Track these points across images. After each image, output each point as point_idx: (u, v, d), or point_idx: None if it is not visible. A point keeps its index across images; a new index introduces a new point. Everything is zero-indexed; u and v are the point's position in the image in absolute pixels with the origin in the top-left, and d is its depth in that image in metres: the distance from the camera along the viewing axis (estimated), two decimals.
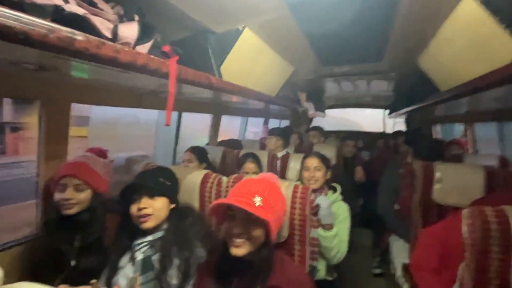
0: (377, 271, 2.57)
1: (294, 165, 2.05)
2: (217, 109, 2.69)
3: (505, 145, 2.57)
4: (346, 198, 2.02)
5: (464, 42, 1.25)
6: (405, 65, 2.21)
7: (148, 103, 1.70)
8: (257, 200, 0.88)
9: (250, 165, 1.85)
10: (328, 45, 1.88)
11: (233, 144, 2.68)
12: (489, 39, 1.05)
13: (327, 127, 5.32)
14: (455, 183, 1.61)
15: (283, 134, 2.66)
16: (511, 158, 2.57)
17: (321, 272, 1.55)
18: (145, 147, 2.48)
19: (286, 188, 1.13)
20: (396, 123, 5.82)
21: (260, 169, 1.90)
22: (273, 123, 5.01)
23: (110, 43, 0.75)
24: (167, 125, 1.01)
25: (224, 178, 1.31)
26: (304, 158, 1.73)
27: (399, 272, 1.79)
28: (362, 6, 1.20)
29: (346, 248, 1.53)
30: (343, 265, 1.61)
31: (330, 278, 1.56)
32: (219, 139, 2.90)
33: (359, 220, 3.16)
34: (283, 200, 1.00)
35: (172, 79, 0.95)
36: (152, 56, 0.87)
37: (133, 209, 1.02)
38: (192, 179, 1.31)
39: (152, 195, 1.03)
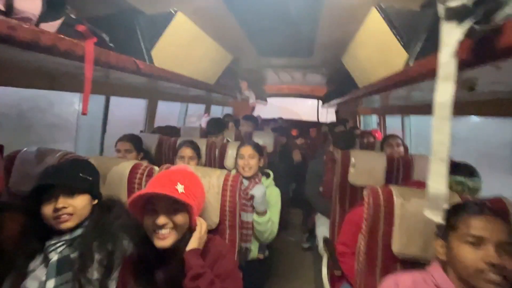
0: (306, 245, 2.89)
1: (232, 153, 2.11)
2: (153, 94, 2.53)
3: (405, 133, 3.12)
4: (280, 182, 2.20)
5: (373, 47, 1.45)
6: (332, 62, 2.44)
7: (64, 85, 1.49)
8: (180, 188, 0.90)
9: (186, 150, 1.82)
10: (264, 38, 1.94)
11: (170, 131, 2.58)
12: (389, 47, 1.25)
13: (268, 115, 5.57)
14: (365, 168, 1.91)
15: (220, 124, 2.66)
16: (410, 143, 3.18)
17: (254, 252, 1.68)
18: (62, 136, 2.16)
19: (217, 177, 1.18)
20: (328, 113, 6.45)
21: (198, 156, 1.89)
22: (215, 110, 4.98)
23: (1, 17, 0.64)
24: (84, 113, 0.92)
25: (156, 168, 1.28)
26: (239, 147, 1.79)
27: (321, 244, 2.06)
28: (290, 5, 1.27)
29: (277, 229, 1.69)
30: (278, 241, 1.77)
31: (261, 257, 1.70)
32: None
33: (291, 202, 3.50)
34: (202, 187, 1.03)
35: (89, 63, 0.86)
36: (61, 36, 0.77)
37: (47, 209, 0.91)
38: (119, 170, 1.24)
39: (71, 193, 0.94)
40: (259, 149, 1.79)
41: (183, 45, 1.62)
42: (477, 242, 0.73)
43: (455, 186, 1.34)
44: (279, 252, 2.66)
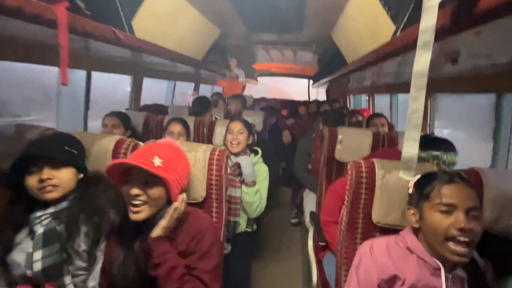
0: (294, 220, 3.00)
1: (220, 130, 2.10)
2: (138, 70, 2.44)
3: (392, 112, 3.17)
4: (269, 161, 2.23)
5: (362, 20, 1.43)
6: (322, 38, 2.39)
7: (41, 58, 1.42)
8: (156, 161, 0.89)
9: (176, 126, 1.80)
10: (253, 12, 1.87)
11: (157, 110, 2.52)
12: (377, 20, 1.22)
13: (259, 95, 5.51)
14: (351, 144, 1.95)
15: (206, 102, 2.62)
16: (397, 121, 3.24)
17: (242, 225, 1.73)
18: (42, 112, 2.08)
19: (203, 151, 1.17)
20: (319, 93, 6.43)
21: (187, 133, 1.87)
22: (205, 89, 4.87)
23: None
24: (64, 84, 0.89)
25: (141, 144, 1.27)
26: (229, 122, 1.79)
27: (307, 218, 2.14)
28: None
29: (265, 204, 1.73)
30: (267, 217, 1.82)
31: (249, 229, 1.76)
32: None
33: (281, 180, 3.57)
34: (186, 162, 1.03)
35: (63, 29, 0.81)
36: None
37: (32, 180, 0.90)
38: (103, 145, 1.22)
39: (56, 165, 0.93)
40: (248, 125, 1.79)
41: (166, 16, 1.54)
42: (448, 209, 0.77)
43: (431, 160, 1.39)
44: (267, 227, 2.75)
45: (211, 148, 1.19)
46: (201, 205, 1.17)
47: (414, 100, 0.60)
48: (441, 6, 0.56)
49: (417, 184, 0.90)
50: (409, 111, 0.62)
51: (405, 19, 1.02)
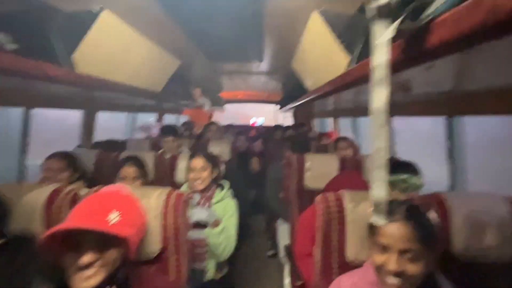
0: (270, 253, 2.83)
1: (182, 165, 1.95)
2: (89, 105, 2.25)
3: (356, 135, 3.28)
4: (239, 191, 2.11)
5: (318, 51, 1.46)
6: (283, 67, 2.45)
7: None
8: (113, 217, 0.75)
9: (128, 170, 1.61)
10: (212, 43, 1.85)
11: (112, 146, 2.31)
12: (332, 51, 1.24)
13: (227, 122, 5.47)
14: (319, 171, 1.92)
15: (175, 129, 2.48)
16: (360, 143, 3.36)
17: (211, 271, 1.54)
18: None
19: (157, 197, 1.03)
20: (286, 117, 6.59)
21: (143, 174, 1.69)
22: (170, 119, 4.71)
23: None
24: None
25: (83, 192, 1.08)
26: (190, 158, 1.66)
27: (282, 252, 2.01)
28: (233, 12, 1.20)
29: (234, 243, 1.58)
30: (240, 251, 1.66)
31: (219, 276, 1.58)
32: None
33: (253, 209, 3.43)
34: (142, 212, 0.90)
35: None
36: None
37: None
38: (33, 198, 1.02)
39: None
40: (212, 159, 1.67)
41: (117, 49, 1.44)
42: (384, 248, 0.78)
43: (400, 184, 1.40)
44: (241, 264, 2.54)
45: (167, 192, 1.05)
46: (154, 261, 1.00)
47: (377, 139, 0.55)
48: (393, 40, 0.53)
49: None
50: (372, 151, 0.57)
51: (358, 51, 1.03)
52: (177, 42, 1.75)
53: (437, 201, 1.07)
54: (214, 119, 5.43)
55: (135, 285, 0.80)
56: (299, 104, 3.35)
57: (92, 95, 2.03)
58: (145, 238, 0.98)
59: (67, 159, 1.68)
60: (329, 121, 4.76)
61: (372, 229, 0.83)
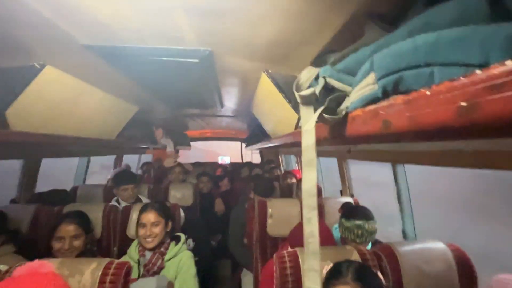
0: None
1: (136, 218, 1.80)
2: (31, 152, 2.04)
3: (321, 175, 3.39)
4: (201, 238, 1.96)
5: (270, 106, 1.53)
6: (245, 113, 2.52)
7: None
8: None
9: (67, 228, 1.43)
10: (167, 94, 1.85)
11: (58, 197, 2.06)
12: (283, 107, 1.31)
13: (193, 159, 5.34)
14: (281, 216, 1.90)
15: (130, 174, 2.33)
16: (320, 182, 3.46)
17: None
18: None
19: (92, 272, 0.91)
20: (253, 153, 6.66)
21: (86, 231, 1.51)
22: (131, 159, 4.47)
23: None
24: None
25: (1, 269, 0.92)
26: (140, 212, 1.53)
27: None
28: (183, 68, 1.22)
29: None
30: None
31: None
32: None
33: (219, 254, 3.22)
34: None
35: None
36: None
37: None
38: None
39: None
40: (165, 212, 1.56)
41: (61, 101, 1.36)
42: None
43: (356, 230, 1.43)
44: None
45: (104, 264, 0.93)
46: None
47: (308, 222, 0.55)
48: (321, 120, 0.56)
49: (325, 276, 0.88)
50: (305, 236, 0.57)
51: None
52: (133, 92, 1.73)
53: (388, 252, 1.10)
54: (180, 158, 5.29)
55: None
56: (259, 148, 3.43)
57: (35, 142, 1.86)
58: None
59: None
60: (293, 159, 4.90)
61: None
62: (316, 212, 0.55)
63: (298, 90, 0.57)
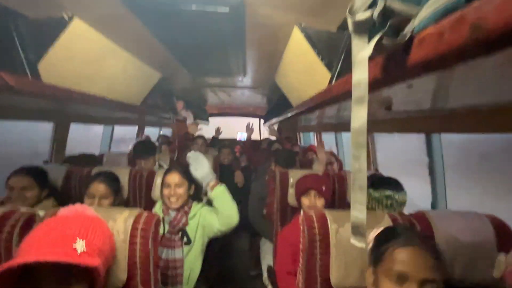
0: (253, 272, 2.70)
1: (160, 181, 1.85)
2: (61, 116, 2.11)
3: (338, 148, 3.31)
4: None
5: (300, 67, 1.45)
6: (267, 82, 2.44)
7: None
8: (79, 245, 0.65)
9: (98, 186, 1.49)
10: (193, 59, 1.81)
11: (87, 161, 2.16)
12: (314, 67, 1.23)
13: (211, 135, 5.39)
14: None
15: (148, 147, 2.37)
16: (343, 158, 3.37)
17: None
18: None
19: (124, 220, 0.93)
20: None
21: (115, 192, 1.57)
22: (152, 132, 4.56)
23: None
24: None
25: (40, 214, 0.97)
26: (165, 173, 1.56)
27: (265, 274, 1.91)
28: (212, 26, 1.17)
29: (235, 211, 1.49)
30: (223, 269, 1.56)
31: None
32: None
33: (237, 226, 3.31)
34: (110, 235, 0.81)
35: None
36: None
37: None
38: None
39: None
40: (188, 175, 1.58)
41: (89, 59, 1.36)
42: (400, 279, 0.66)
43: (384, 200, 1.38)
44: (224, 281, 2.40)
45: (135, 215, 0.95)
46: None
47: (357, 160, 0.52)
48: (372, 57, 0.50)
49: (375, 241, 0.80)
50: (353, 171, 0.54)
51: (338, 68, 1.02)
52: (157, 56, 1.70)
53: (422, 219, 1.04)
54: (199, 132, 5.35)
55: None
56: (284, 119, 3.35)
57: (64, 107, 1.91)
58: (112, 266, 0.88)
59: (34, 175, 1.54)
60: (313, 136, 4.79)
61: (378, 255, 0.73)
62: (365, 150, 0.52)
63: (353, 14, 0.50)
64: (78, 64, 1.30)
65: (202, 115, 4.78)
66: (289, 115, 2.07)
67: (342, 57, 1.00)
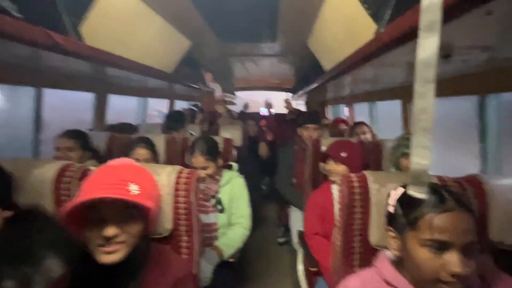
0: (281, 240, 2.79)
1: None
2: (101, 87, 2.22)
3: (373, 120, 3.14)
4: (251, 177, 2.04)
5: (339, 22, 1.34)
6: (298, 47, 2.32)
7: None
8: (133, 188, 0.71)
9: (140, 151, 1.59)
10: (223, 20, 1.76)
11: (125, 129, 2.29)
12: (356, 20, 1.13)
13: (237, 109, 5.40)
14: None
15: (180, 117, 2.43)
16: (378, 130, 3.22)
17: None
18: None
19: (168, 174, 0.98)
20: (298, 105, 6.43)
21: (154, 155, 1.67)
22: (181, 105, 4.68)
23: None
24: None
25: (93, 168, 1.05)
26: (190, 153, 1.56)
27: (295, 239, 1.95)
28: None
29: (249, 222, 1.53)
30: (252, 237, 1.63)
31: (231, 260, 1.54)
32: None
33: (266, 196, 3.39)
34: (156, 185, 0.86)
35: None
36: None
37: None
38: (42, 174, 0.99)
39: None
40: (212, 154, 1.52)
41: (125, 22, 1.37)
42: (440, 247, 0.59)
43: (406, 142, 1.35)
44: (253, 248, 2.52)
45: (178, 170, 1.00)
46: (167, 239, 0.96)
47: (421, 97, 0.47)
48: None
49: (401, 203, 0.68)
50: (414, 112, 0.49)
51: (387, 16, 0.92)
52: (189, 20, 1.67)
53: (474, 183, 0.97)
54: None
55: (152, 261, 0.77)
56: (312, 91, 3.22)
57: (103, 75, 1.99)
58: (158, 215, 0.94)
59: (78, 138, 1.66)
60: (343, 109, 4.60)
61: (409, 221, 0.64)
62: (432, 86, 0.46)
63: None
64: (115, 27, 1.32)
65: (229, 88, 4.77)
66: (321, 82, 1.97)
67: (393, 4, 0.90)
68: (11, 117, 1.73)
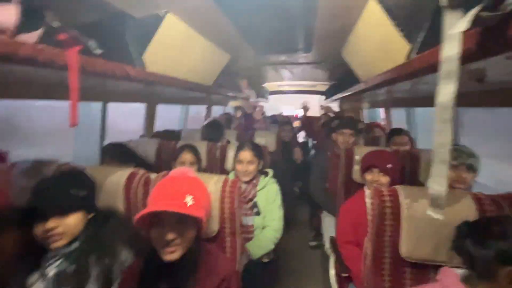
0: (313, 243, 2.84)
1: (232, 154, 2.07)
2: (151, 98, 2.50)
3: (411, 126, 3.03)
4: (284, 181, 2.15)
5: (373, 39, 1.39)
6: (332, 57, 2.37)
7: (59, 94, 1.47)
8: (189, 200, 0.87)
9: (186, 156, 1.79)
10: (260, 35, 1.89)
11: (169, 136, 2.55)
12: (390, 39, 1.18)
13: (271, 113, 5.52)
14: None
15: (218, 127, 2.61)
16: (415, 136, 3.09)
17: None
18: (60, 144, 2.14)
19: (215, 183, 1.14)
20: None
21: (198, 161, 1.86)
22: (217, 110, 4.94)
23: None
24: (73, 125, 0.89)
25: (153, 176, 1.25)
26: (238, 150, 1.74)
27: (327, 244, 2.01)
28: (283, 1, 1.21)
29: (281, 227, 1.64)
30: (284, 239, 1.73)
31: (266, 260, 1.66)
32: None
33: (299, 200, 3.46)
34: (209, 195, 1.01)
35: (73, 72, 0.83)
36: (40, 46, 0.74)
37: (38, 229, 0.88)
38: (115, 180, 1.21)
39: (63, 212, 0.90)
40: (258, 152, 1.73)
41: (176, 47, 1.58)
42: None
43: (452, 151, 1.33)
44: (285, 251, 2.62)
45: (223, 179, 1.15)
46: (213, 240, 1.12)
47: (440, 134, 0.54)
48: (465, 30, 0.51)
49: (476, 230, 0.70)
50: (435, 146, 0.56)
51: (420, 39, 0.97)
52: (229, 38, 1.84)
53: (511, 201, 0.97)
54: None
55: (203, 259, 0.92)
56: (346, 95, 3.21)
57: (153, 90, 2.25)
58: (208, 219, 1.10)
59: (119, 151, 1.71)
60: (380, 112, 4.44)
61: (501, 254, 0.63)
62: (449, 125, 0.53)
63: None
64: (169, 52, 1.53)
65: (263, 93, 4.91)
66: (357, 90, 2.00)
67: (426, 27, 0.94)
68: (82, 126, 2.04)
